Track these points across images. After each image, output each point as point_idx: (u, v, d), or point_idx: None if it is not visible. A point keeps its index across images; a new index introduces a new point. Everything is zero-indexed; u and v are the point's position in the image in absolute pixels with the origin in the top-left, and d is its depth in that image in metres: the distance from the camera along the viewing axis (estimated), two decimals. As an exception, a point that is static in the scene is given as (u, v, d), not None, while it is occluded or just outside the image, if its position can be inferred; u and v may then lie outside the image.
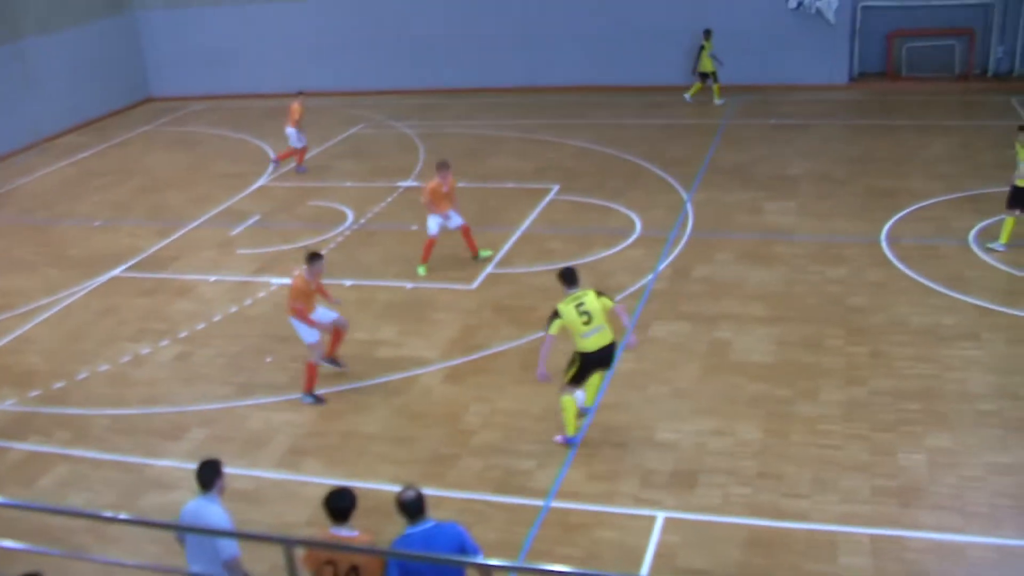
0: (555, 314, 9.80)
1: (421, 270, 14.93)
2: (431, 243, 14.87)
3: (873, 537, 8.63)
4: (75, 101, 26.53)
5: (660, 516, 9.11)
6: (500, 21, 26.17)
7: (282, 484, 10.16)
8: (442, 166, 14.68)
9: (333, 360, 12.11)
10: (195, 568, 7.06)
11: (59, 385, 12.56)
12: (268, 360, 12.78)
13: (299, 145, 20.55)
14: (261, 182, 20.32)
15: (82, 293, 15.41)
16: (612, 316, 10.03)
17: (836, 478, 9.45)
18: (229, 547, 6.90)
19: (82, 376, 12.76)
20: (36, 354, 13.51)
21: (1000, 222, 14.37)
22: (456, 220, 14.89)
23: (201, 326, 13.87)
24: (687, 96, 24.14)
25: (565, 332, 9.84)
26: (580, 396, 10.44)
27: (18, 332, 14.24)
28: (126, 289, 15.44)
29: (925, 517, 8.84)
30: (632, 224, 16.29)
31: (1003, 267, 13.69)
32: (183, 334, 13.68)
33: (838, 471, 9.55)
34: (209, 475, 7.12)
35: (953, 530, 8.65)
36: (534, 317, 12.90)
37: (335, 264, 15.10)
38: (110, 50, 27.89)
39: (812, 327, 12.41)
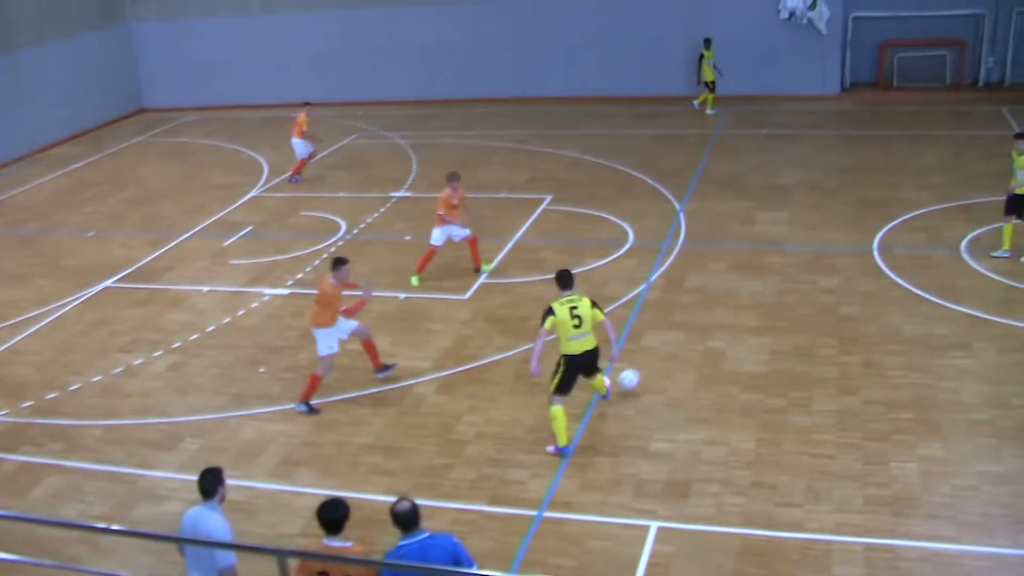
0: (549, 311, 10.03)
1: (414, 280, 14.94)
2: (432, 253, 14.87)
3: (867, 546, 8.63)
4: (69, 112, 26.52)
5: (653, 526, 9.12)
6: (493, 32, 26.26)
7: (275, 495, 10.13)
8: (452, 177, 14.68)
9: (384, 367, 12.10)
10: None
11: (51, 396, 12.53)
12: (261, 371, 12.76)
13: (305, 155, 20.58)
14: (254, 193, 20.33)
15: (75, 304, 15.38)
16: (600, 328, 10.17)
17: (829, 487, 9.46)
18: (226, 556, 6.93)
19: (75, 387, 12.73)
20: (28, 365, 13.48)
21: (998, 230, 14.46)
22: (464, 231, 14.91)
23: (194, 337, 13.85)
24: (696, 103, 24.29)
25: (553, 336, 10.01)
26: (608, 381, 11.08)
27: (10, 343, 14.20)
28: (119, 300, 15.41)
29: (918, 526, 8.86)
30: (625, 234, 16.33)
31: (995, 276, 13.74)
32: (176, 345, 13.65)
33: (831, 480, 9.57)
34: (211, 483, 7.14)
35: (946, 539, 8.67)
36: (527, 327, 12.89)
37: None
38: (104, 61, 27.90)
39: (805, 337, 12.44)
